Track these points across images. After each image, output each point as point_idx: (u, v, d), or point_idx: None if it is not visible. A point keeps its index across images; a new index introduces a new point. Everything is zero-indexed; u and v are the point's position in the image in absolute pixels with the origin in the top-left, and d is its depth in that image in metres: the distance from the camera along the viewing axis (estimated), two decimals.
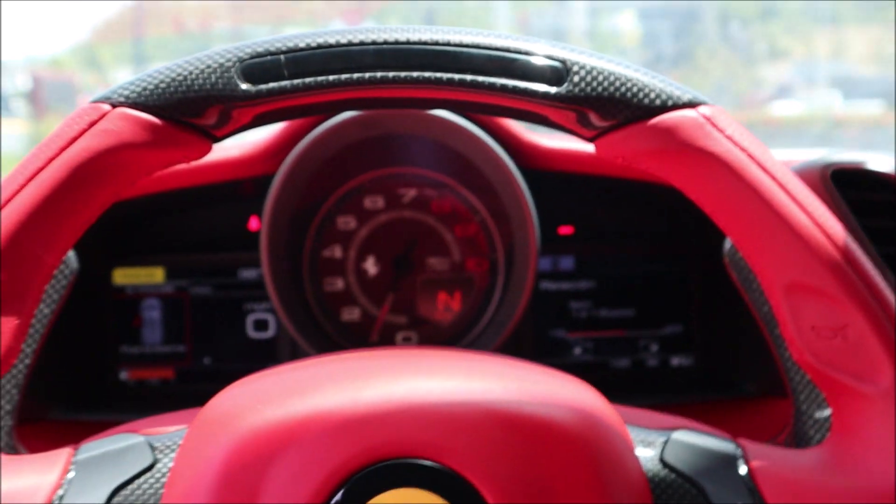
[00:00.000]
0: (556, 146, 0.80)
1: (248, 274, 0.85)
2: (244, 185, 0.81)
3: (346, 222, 0.82)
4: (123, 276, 0.84)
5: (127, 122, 0.37)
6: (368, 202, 0.83)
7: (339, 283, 0.83)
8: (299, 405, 0.36)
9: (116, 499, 0.37)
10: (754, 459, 0.38)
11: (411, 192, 0.83)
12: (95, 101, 0.38)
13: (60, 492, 0.37)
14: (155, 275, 0.84)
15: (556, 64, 0.38)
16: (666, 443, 0.39)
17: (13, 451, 0.57)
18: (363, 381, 0.37)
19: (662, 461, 0.38)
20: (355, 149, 0.78)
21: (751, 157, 0.38)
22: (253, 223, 0.84)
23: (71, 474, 0.38)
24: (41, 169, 0.37)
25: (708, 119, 0.38)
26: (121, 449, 0.38)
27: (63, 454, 0.39)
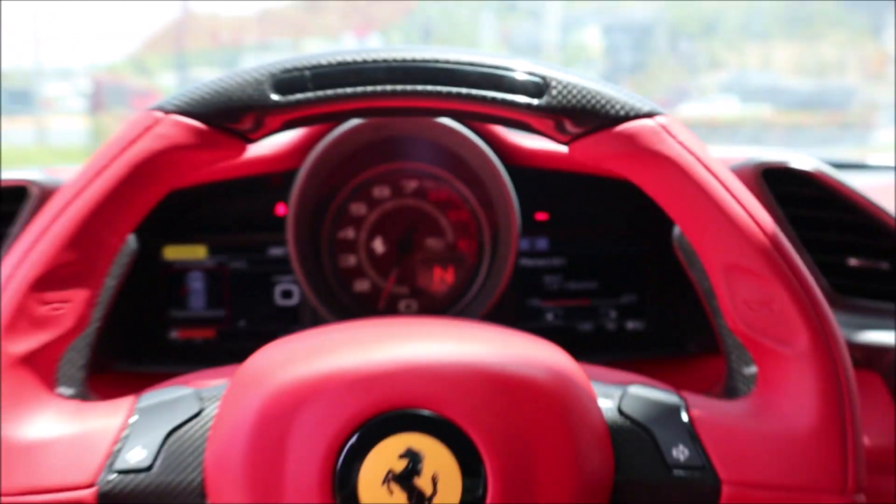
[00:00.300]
0: (535, 147, 0.80)
1: (275, 251, 0.84)
2: (273, 177, 0.81)
3: (358, 209, 0.82)
4: (172, 253, 0.84)
5: (177, 128, 0.37)
6: (377, 192, 0.82)
7: (352, 260, 0.82)
8: (321, 364, 0.36)
9: (170, 439, 0.37)
10: (694, 408, 0.39)
11: (413, 184, 0.82)
12: (151, 110, 0.38)
13: (126, 432, 0.37)
14: (199, 252, 0.84)
15: (538, 80, 0.38)
16: (622, 395, 0.39)
17: (86, 398, 0.57)
18: (374, 345, 0.37)
19: (619, 411, 0.39)
20: (366, 148, 0.77)
21: (698, 159, 0.38)
22: (280, 209, 0.84)
23: (134, 418, 0.38)
24: (106, 167, 0.37)
25: (663, 127, 0.38)
26: (174, 398, 0.38)
27: (128, 402, 0.39)
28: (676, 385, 0.42)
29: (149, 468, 0.36)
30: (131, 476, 0.36)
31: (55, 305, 0.37)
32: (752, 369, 0.57)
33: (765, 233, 0.37)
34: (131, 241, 0.61)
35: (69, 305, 0.38)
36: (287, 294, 0.84)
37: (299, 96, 0.37)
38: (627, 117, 0.38)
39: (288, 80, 0.37)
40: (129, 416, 0.38)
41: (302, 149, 0.77)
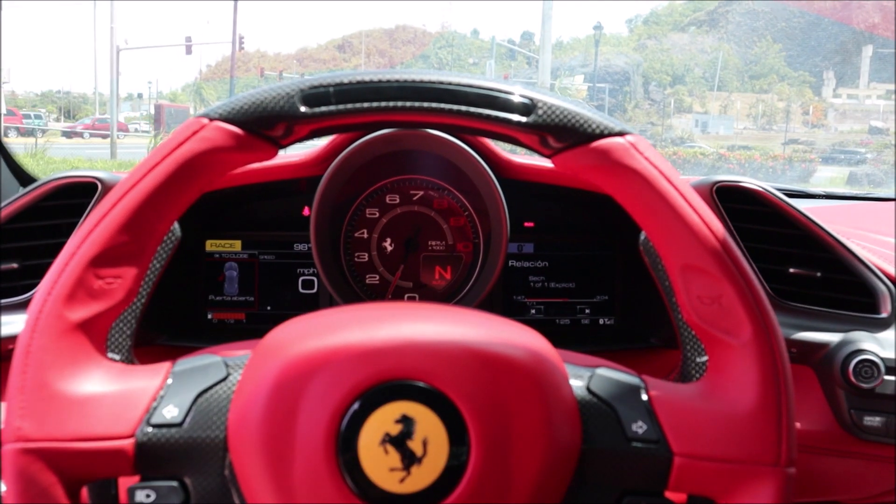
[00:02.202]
0: (524, 162, 0.79)
1: (300, 247, 0.84)
2: (300, 182, 0.81)
3: (372, 212, 0.82)
4: (212, 245, 0.84)
5: (219, 132, 0.38)
6: (388, 198, 0.82)
7: (365, 257, 0.82)
8: (330, 339, 0.36)
9: (200, 399, 0.37)
10: (652, 389, 0.38)
11: (419, 193, 0.82)
12: (198, 116, 0.38)
13: (162, 392, 0.37)
14: (235, 245, 0.84)
15: (526, 101, 0.38)
16: (591, 376, 0.39)
17: (132, 363, 0.56)
18: (377, 323, 0.37)
19: (588, 389, 0.38)
20: (379, 160, 0.77)
21: (661, 173, 0.37)
22: (305, 211, 0.84)
23: (170, 381, 0.37)
24: (158, 164, 0.38)
25: (632, 144, 0.38)
26: (205, 365, 0.38)
27: (164, 366, 0.38)
28: (639, 371, 0.41)
29: (180, 424, 0.36)
30: (165, 430, 0.35)
31: (109, 280, 0.37)
32: (704, 358, 0.56)
33: (716, 238, 0.36)
34: (176, 229, 0.61)
35: (120, 281, 0.38)
36: (308, 284, 0.84)
37: (324, 109, 0.38)
38: (602, 135, 0.37)
39: (314, 95, 0.37)
40: (165, 379, 0.37)
41: (325, 159, 0.77)
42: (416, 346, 0.35)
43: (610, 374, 0.39)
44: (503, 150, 0.80)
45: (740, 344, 0.36)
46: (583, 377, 0.39)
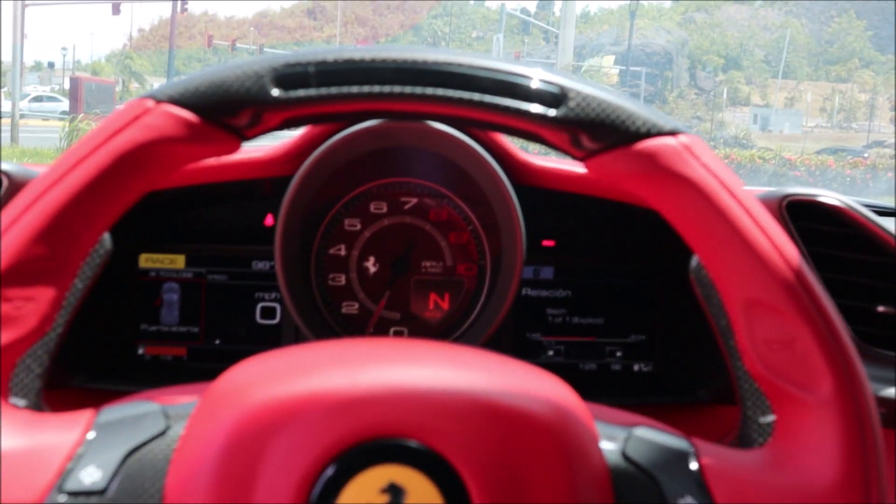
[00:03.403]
0: (547, 165, 0.80)
1: (260, 265, 0.84)
2: (263, 184, 0.81)
3: (352, 224, 0.82)
4: (148, 261, 0.83)
5: (169, 118, 0.37)
6: (373, 207, 0.82)
7: (342, 279, 0.82)
8: (301, 384, 0.35)
9: (130, 460, 0.36)
10: (704, 457, 0.38)
11: (412, 200, 0.82)
12: (142, 98, 0.38)
13: (80, 450, 0.36)
14: (177, 261, 0.84)
15: (555, 90, 0.38)
16: (628, 438, 0.39)
17: (40, 410, 0.55)
18: (360, 366, 0.36)
19: (623, 454, 0.38)
20: (365, 158, 0.77)
21: (722, 183, 0.38)
22: (269, 219, 0.84)
23: (91, 434, 0.37)
24: (88, 156, 0.37)
25: (686, 147, 0.38)
26: (138, 414, 0.38)
27: (85, 415, 0.38)
28: (687, 433, 0.41)
29: (103, 491, 0.35)
30: (82, 498, 0.34)
31: (18, 303, 0.37)
32: (770, 418, 0.56)
33: (790, 267, 0.37)
34: (107, 241, 0.61)
35: (33, 305, 0.37)
36: (269, 312, 0.84)
37: (301, 93, 0.37)
38: (648, 134, 0.38)
39: (290, 76, 0.37)
40: (85, 432, 0.37)
41: (297, 155, 0.77)
42: (406, 395, 0.35)
43: (651, 436, 0.39)
44: (517, 148, 0.80)
45: (818, 401, 0.36)
46: (617, 439, 0.38)
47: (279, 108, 0.38)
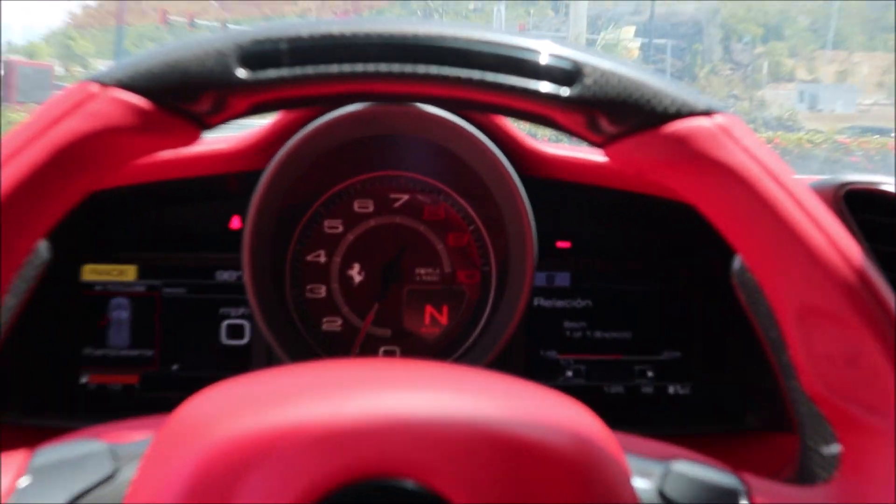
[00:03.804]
0: (559, 153, 0.80)
1: (226, 276, 0.84)
2: (228, 180, 0.81)
3: (333, 226, 0.82)
4: (93, 273, 0.83)
5: (116, 105, 0.37)
6: (358, 205, 0.82)
7: (322, 290, 0.82)
8: (276, 415, 0.35)
9: None
10: (758, 495, 0.38)
11: (403, 197, 0.83)
12: (85, 81, 0.38)
13: (13, 498, 0.36)
14: (126, 272, 0.84)
15: (567, 65, 0.38)
16: (665, 474, 0.38)
17: None
18: (345, 392, 0.36)
19: (661, 494, 0.38)
20: (348, 148, 0.77)
21: (767, 170, 0.38)
22: (235, 222, 0.84)
23: (25, 480, 0.36)
24: (21, 150, 0.37)
25: (723, 129, 0.38)
26: (80, 455, 0.37)
27: (17, 458, 0.38)
28: (735, 466, 0.41)
29: None
30: None
31: None
32: (835, 448, 0.56)
33: (852, 267, 0.36)
34: (43, 250, 0.61)
35: None
36: (236, 331, 0.84)
37: (272, 73, 0.38)
38: (679, 114, 0.38)
39: (259, 54, 0.38)
40: (17, 478, 0.36)
41: (267, 146, 0.78)
42: (400, 426, 0.34)
43: (692, 471, 0.39)
44: (525, 134, 0.81)
45: (888, 426, 0.36)
46: (652, 475, 0.38)
47: (246, 92, 0.38)
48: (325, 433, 0.34)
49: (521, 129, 0.80)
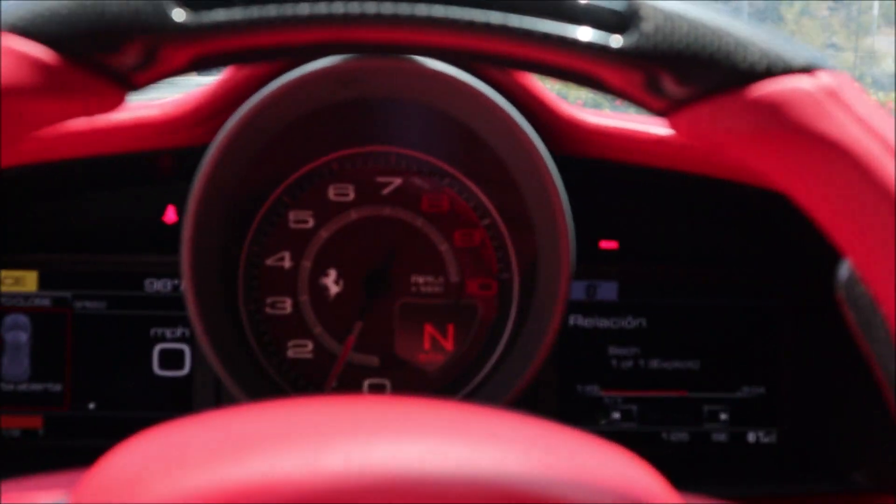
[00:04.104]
0: (604, 124, 0.80)
1: (158, 285, 0.85)
2: (161, 159, 0.81)
3: (302, 219, 0.83)
4: None
5: (9, 57, 0.37)
6: (334, 192, 0.83)
7: (287, 305, 0.83)
8: (234, 471, 0.35)
9: None
10: None
11: (394, 181, 0.83)
12: None
13: None
14: (24, 281, 0.84)
15: (619, 5, 0.38)
16: None
17: None
18: (324, 439, 0.36)
19: None
20: (321, 116, 0.78)
21: (888, 146, 0.38)
22: (170, 214, 0.85)
23: None
24: None
25: (829, 91, 0.38)
26: None
27: None
28: None
29: None
30: None
31: None
32: None
33: None
34: None
35: None
36: (173, 358, 0.85)
37: (221, 15, 0.38)
38: (770, 72, 0.38)
39: None
40: None
41: (214, 112, 0.78)
42: (398, 485, 0.35)
43: None
44: (555, 97, 0.81)
45: None
46: None
47: (185, 40, 0.38)
48: (298, 492, 0.35)
49: (551, 91, 0.80)
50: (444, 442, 0.37)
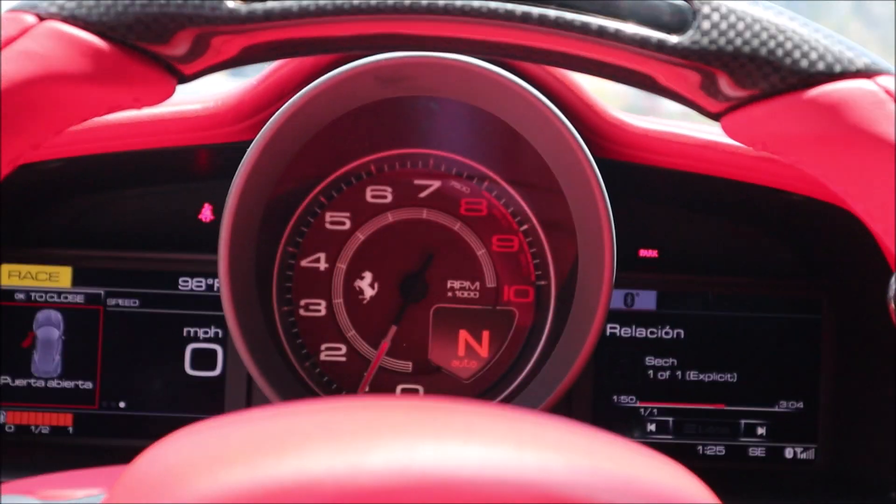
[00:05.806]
0: (651, 128, 0.80)
1: (193, 284, 0.85)
2: (198, 156, 0.82)
3: (338, 220, 0.83)
4: (12, 276, 0.84)
5: (60, 43, 0.37)
6: (371, 194, 0.83)
7: (322, 307, 0.83)
8: (275, 469, 0.35)
9: None
10: None
11: (433, 185, 0.83)
12: (15, 11, 0.38)
13: None
14: (59, 277, 0.84)
15: (678, 2, 0.38)
16: None
17: None
18: (363, 440, 0.36)
19: None
20: (361, 116, 0.78)
21: None
22: (206, 212, 0.85)
23: None
24: None
25: (893, 95, 0.37)
26: None
27: None
28: None
29: None
30: None
31: None
32: None
33: None
34: None
35: None
36: (206, 359, 0.85)
37: (273, 4, 0.38)
38: (831, 74, 0.37)
39: None
40: None
41: (254, 110, 0.78)
42: (442, 488, 0.34)
43: None
44: (596, 98, 0.80)
45: None
46: None
47: (238, 30, 0.38)
48: (337, 492, 0.34)
49: (590, 92, 0.80)
50: (487, 444, 0.37)
